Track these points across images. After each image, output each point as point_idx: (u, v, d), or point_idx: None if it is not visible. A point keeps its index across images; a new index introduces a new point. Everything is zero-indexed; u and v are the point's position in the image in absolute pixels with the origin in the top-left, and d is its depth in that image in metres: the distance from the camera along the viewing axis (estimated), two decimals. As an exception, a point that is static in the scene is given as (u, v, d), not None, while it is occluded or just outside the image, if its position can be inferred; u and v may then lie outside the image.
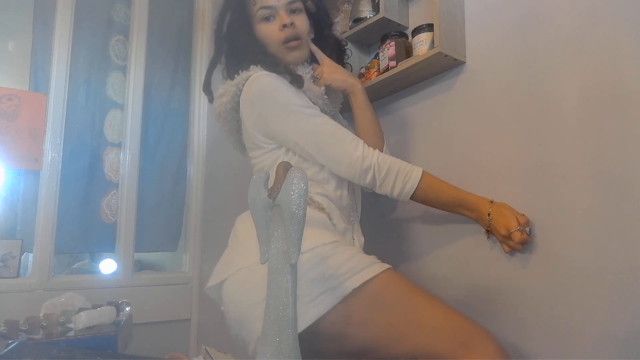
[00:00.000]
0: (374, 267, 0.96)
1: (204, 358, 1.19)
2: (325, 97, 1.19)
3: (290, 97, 1.09)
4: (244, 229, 1.07)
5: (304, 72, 1.19)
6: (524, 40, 1.11)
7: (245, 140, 1.20)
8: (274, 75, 1.10)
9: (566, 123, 1.01)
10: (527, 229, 1.01)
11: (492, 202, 1.05)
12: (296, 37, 1.17)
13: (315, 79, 1.20)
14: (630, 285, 0.89)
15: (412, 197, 1.07)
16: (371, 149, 1.08)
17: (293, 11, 1.19)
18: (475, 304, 1.15)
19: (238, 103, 1.14)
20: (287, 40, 1.16)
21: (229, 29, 1.23)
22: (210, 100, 1.28)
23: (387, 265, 0.99)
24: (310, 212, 0.97)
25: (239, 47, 1.19)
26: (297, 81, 1.14)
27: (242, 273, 0.99)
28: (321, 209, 1.07)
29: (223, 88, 1.17)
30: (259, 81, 1.09)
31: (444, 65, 1.26)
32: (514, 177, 1.10)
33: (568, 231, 0.99)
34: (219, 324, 1.13)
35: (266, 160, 1.13)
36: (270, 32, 1.17)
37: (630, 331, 0.88)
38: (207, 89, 1.28)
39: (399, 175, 1.05)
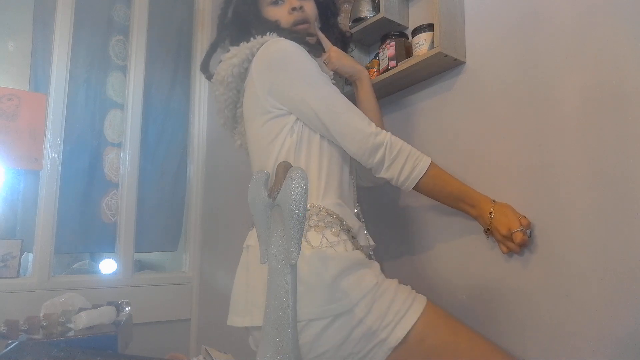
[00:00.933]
0: (415, 307, 0.94)
1: (204, 358, 1.19)
2: (334, 81, 1.18)
3: (311, 64, 1.08)
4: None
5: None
6: (524, 40, 1.11)
7: (246, 109, 1.14)
8: (292, 42, 1.09)
9: (566, 123, 1.01)
10: (528, 231, 1.01)
11: (494, 201, 1.05)
12: (305, 21, 1.17)
13: (323, 65, 1.19)
14: (630, 285, 0.89)
15: (417, 186, 1.03)
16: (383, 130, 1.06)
17: None
18: (475, 304, 1.15)
19: (246, 69, 1.12)
20: (296, 24, 1.16)
21: (235, 12, 1.22)
22: (208, 77, 1.25)
23: (424, 300, 0.97)
24: (344, 253, 0.96)
25: (248, 26, 1.17)
26: (316, 50, 1.13)
27: None
28: (344, 229, 1.01)
29: (235, 49, 1.12)
30: (279, 45, 1.07)
31: (444, 65, 1.26)
32: (514, 177, 1.10)
33: (568, 231, 0.99)
34: (219, 324, 1.13)
35: (273, 127, 1.07)
36: (278, 15, 1.16)
37: (630, 331, 0.88)
38: (205, 68, 1.26)
39: (409, 158, 1.02)
